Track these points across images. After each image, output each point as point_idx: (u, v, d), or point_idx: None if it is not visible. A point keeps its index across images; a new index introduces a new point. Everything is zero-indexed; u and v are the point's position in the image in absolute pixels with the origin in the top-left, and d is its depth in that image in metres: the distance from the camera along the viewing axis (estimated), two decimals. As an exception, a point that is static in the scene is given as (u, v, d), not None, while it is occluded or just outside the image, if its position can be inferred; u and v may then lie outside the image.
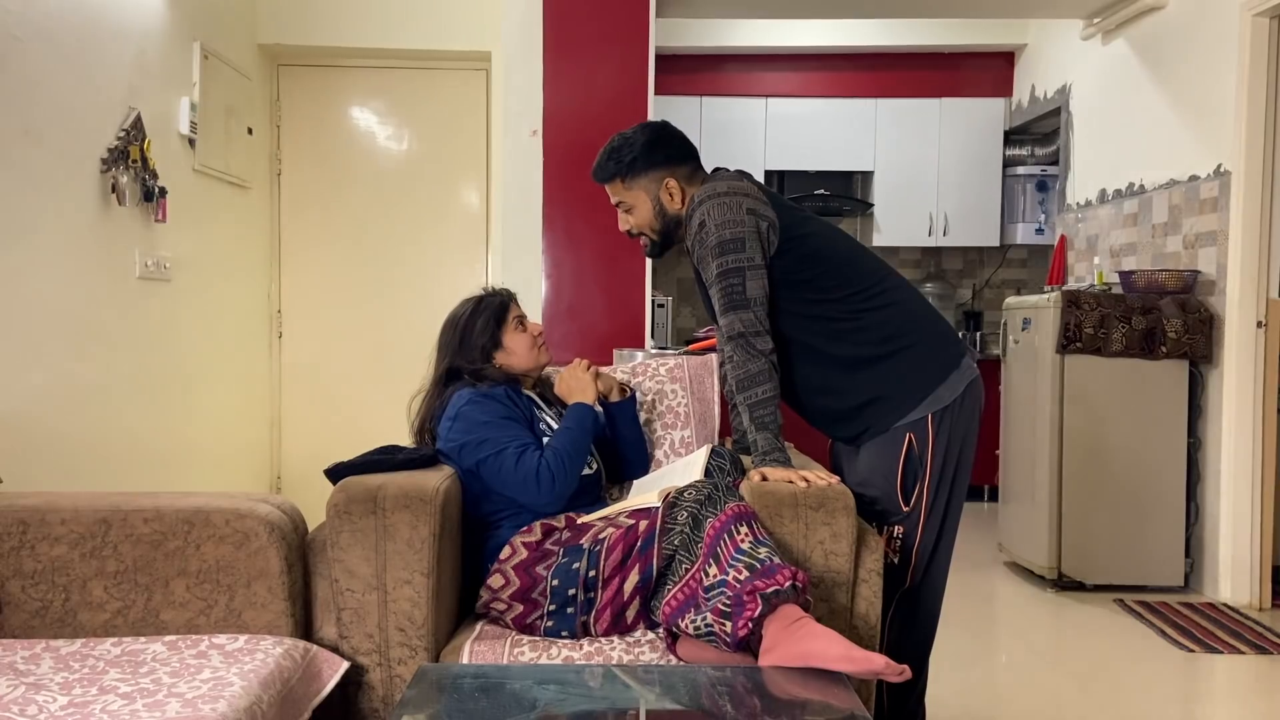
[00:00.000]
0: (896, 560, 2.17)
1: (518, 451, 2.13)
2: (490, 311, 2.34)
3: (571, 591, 1.97)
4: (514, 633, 2.03)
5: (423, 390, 2.35)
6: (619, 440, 2.51)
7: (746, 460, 2.26)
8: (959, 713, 2.90)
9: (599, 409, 2.40)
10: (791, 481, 2.03)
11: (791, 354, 2.20)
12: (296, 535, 2.03)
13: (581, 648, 1.94)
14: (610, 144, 2.25)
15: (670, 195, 2.23)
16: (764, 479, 2.06)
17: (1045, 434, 4.20)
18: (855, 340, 2.17)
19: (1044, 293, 4.39)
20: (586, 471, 2.27)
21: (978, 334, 6.58)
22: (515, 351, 2.34)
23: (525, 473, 2.11)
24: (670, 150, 2.24)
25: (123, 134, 3.34)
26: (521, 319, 2.38)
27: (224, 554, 1.95)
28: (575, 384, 2.36)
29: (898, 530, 2.16)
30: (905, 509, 2.15)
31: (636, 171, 2.22)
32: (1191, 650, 3.44)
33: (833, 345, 2.18)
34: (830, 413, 2.24)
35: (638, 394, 2.63)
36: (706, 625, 1.75)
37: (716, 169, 2.31)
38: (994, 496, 5.61)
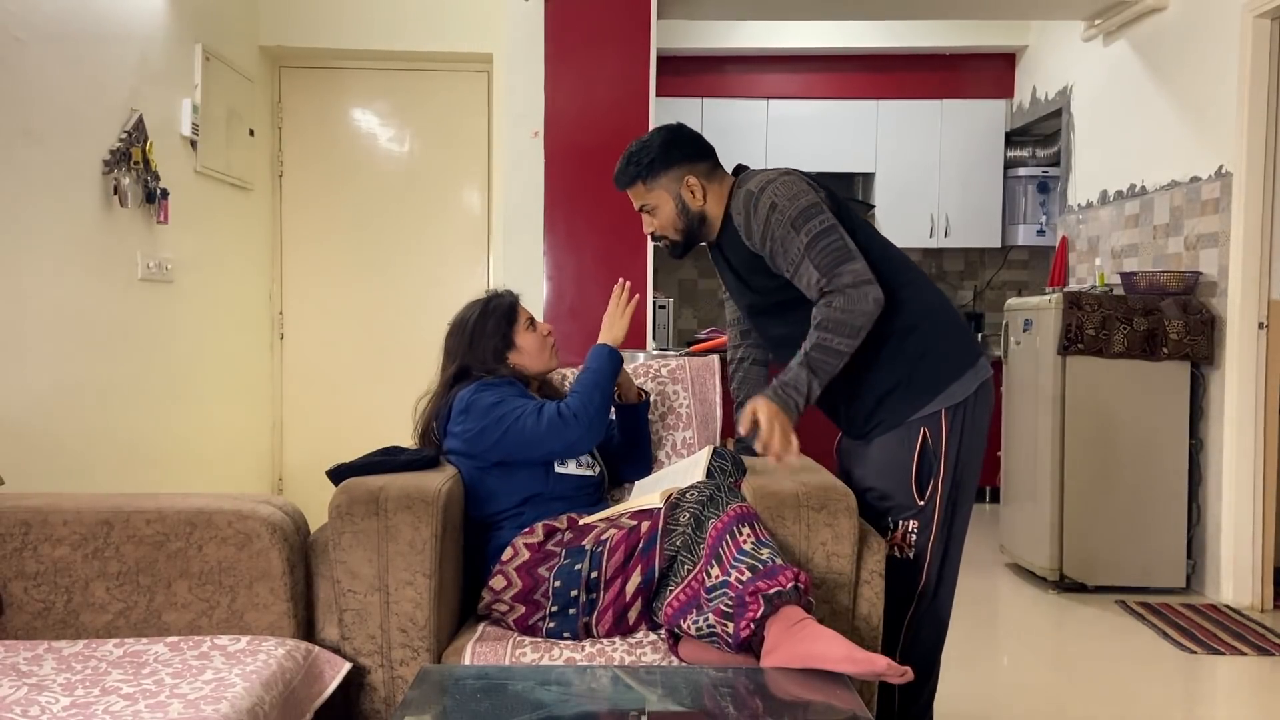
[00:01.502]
0: (912, 555, 2.16)
1: (535, 410, 2.15)
2: (500, 312, 2.34)
3: (573, 593, 1.98)
4: (516, 634, 2.03)
5: (429, 393, 2.34)
6: (626, 443, 2.50)
7: (748, 461, 2.26)
8: (960, 713, 2.90)
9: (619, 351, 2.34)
10: (771, 436, 1.98)
11: None
12: (298, 536, 2.03)
13: (583, 649, 1.94)
14: (628, 150, 2.27)
15: (691, 193, 2.23)
16: (759, 410, 2.01)
17: (1047, 435, 4.19)
18: (875, 331, 2.16)
19: (1045, 294, 4.39)
20: (589, 473, 2.28)
21: (979, 335, 6.58)
22: (528, 351, 2.34)
23: (549, 421, 2.14)
24: (687, 149, 2.26)
25: (125, 135, 3.34)
26: (532, 319, 2.38)
27: (226, 555, 1.95)
28: (605, 320, 2.37)
29: (912, 525, 2.15)
30: (920, 503, 2.15)
31: (656, 172, 2.23)
32: (1193, 651, 3.44)
33: None
34: (845, 403, 2.23)
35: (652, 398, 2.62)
36: (709, 626, 1.75)
37: (738, 166, 2.32)
38: (995, 498, 5.61)
